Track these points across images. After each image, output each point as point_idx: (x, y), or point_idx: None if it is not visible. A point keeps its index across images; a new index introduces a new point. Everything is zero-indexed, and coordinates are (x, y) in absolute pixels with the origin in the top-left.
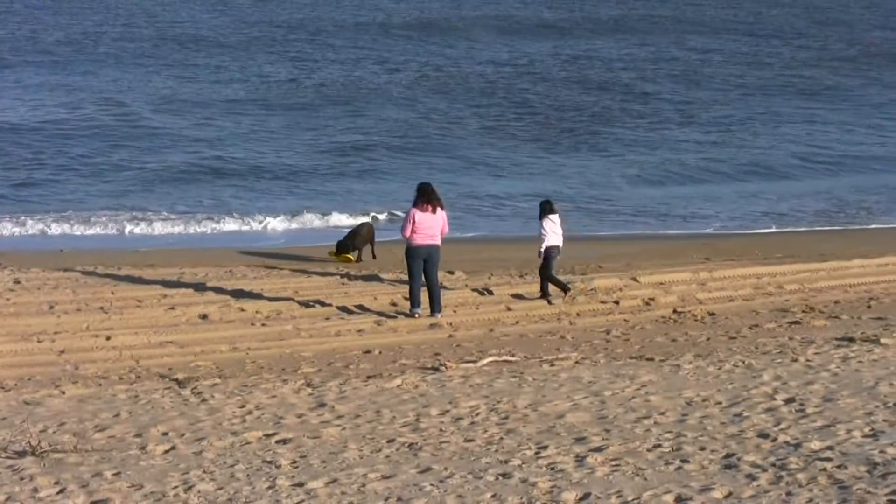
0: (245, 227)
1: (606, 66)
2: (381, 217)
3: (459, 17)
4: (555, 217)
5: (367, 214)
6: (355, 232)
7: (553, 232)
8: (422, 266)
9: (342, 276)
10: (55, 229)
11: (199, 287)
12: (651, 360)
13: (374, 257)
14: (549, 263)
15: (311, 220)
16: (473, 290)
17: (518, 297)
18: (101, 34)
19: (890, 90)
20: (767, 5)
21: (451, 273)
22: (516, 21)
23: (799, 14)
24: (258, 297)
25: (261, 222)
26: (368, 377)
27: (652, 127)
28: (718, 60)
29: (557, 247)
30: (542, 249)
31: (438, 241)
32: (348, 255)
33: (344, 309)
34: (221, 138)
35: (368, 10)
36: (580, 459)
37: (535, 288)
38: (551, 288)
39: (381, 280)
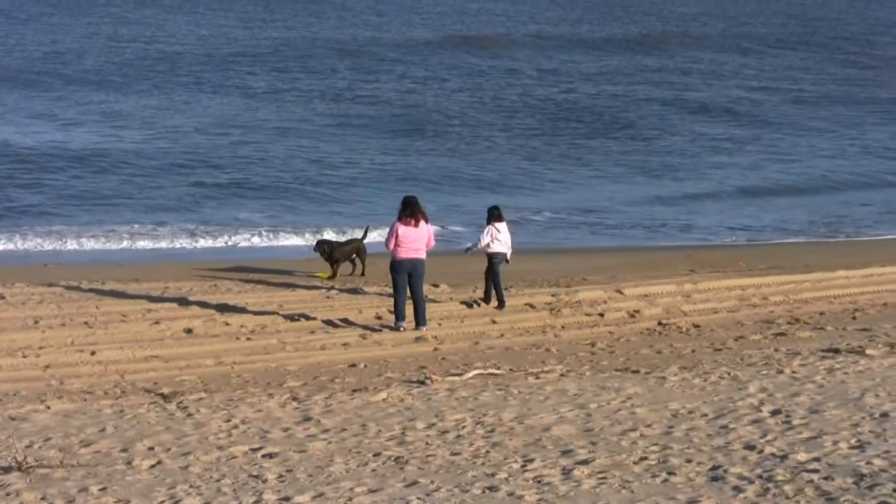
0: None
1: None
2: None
3: (504, 35)
4: (501, 225)
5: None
6: (341, 244)
7: (497, 239)
8: (406, 279)
9: (327, 289)
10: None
11: (184, 301)
12: (636, 372)
13: (362, 274)
14: (495, 269)
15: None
16: (461, 302)
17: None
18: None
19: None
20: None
21: (436, 286)
22: (554, 37)
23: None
24: (243, 310)
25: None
26: (354, 391)
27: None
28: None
29: (503, 254)
30: (469, 249)
31: (423, 255)
32: (322, 273)
33: (329, 322)
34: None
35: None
36: (567, 472)
37: (518, 301)
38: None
39: (365, 293)
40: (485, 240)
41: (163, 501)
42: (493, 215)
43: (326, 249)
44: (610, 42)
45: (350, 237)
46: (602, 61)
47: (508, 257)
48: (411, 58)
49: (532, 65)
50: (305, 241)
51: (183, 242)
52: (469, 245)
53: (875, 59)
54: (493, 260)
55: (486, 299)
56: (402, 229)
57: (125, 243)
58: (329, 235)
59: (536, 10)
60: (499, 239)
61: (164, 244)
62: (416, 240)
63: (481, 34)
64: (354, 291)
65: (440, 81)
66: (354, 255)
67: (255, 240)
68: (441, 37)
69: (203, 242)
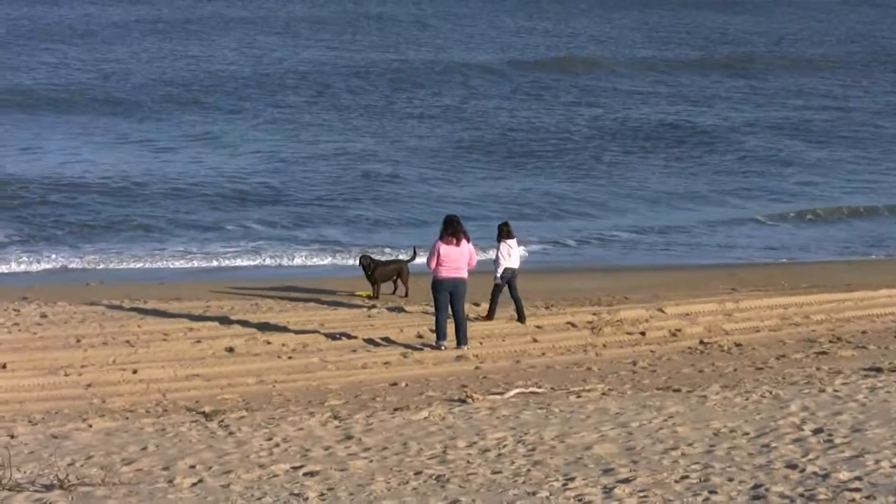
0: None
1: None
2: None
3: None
4: (512, 241)
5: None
6: (382, 263)
7: (508, 255)
8: (448, 298)
9: (368, 308)
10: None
11: (225, 320)
12: (678, 391)
13: (405, 295)
14: (512, 283)
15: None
16: (502, 321)
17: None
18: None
19: None
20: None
21: (478, 305)
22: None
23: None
24: (284, 329)
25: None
26: (395, 409)
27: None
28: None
29: (513, 269)
30: (500, 273)
31: (465, 274)
32: (363, 293)
33: (370, 341)
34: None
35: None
36: (608, 491)
37: (560, 320)
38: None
39: (406, 312)
40: (503, 260)
41: None
42: (504, 232)
43: (369, 266)
44: (678, 63)
45: (394, 257)
46: (674, 82)
47: (517, 271)
48: (497, 78)
49: (619, 85)
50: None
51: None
52: (497, 274)
53: None
54: (504, 275)
55: (490, 317)
56: (444, 248)
57: (181, 262)
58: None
59: (605, 31)
60: (510, 255)
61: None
62: (458, 259)
63: (568, 56)
64: (396, 310)
65: (534, 100)
66: (396, 276)
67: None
68: (527, 59)
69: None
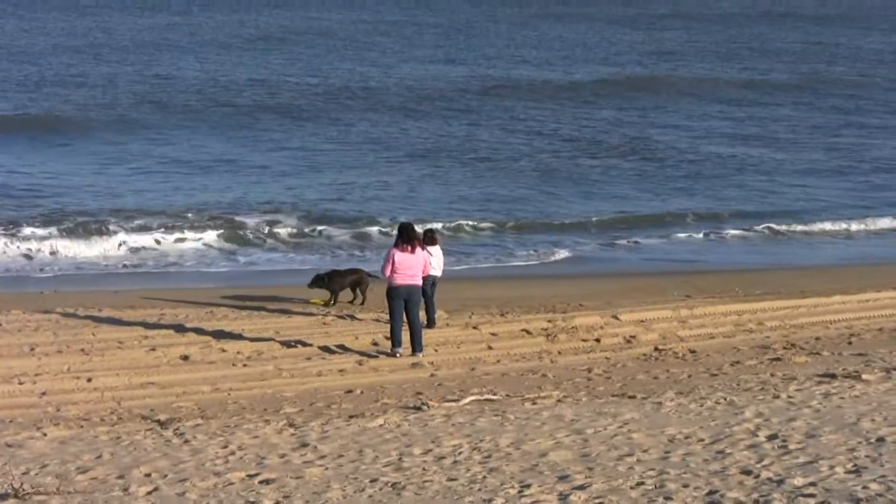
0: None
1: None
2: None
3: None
4: (434, 249)
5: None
6: (339, 273)
7: (428, 262)
8: (402, 305)
9: (323, 315)
10: None
11: (180, 328)
12: (633, 397)
13: (362, 303)
14: (427, 291)
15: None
16: (457, 328)
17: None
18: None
19: None
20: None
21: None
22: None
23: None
24: (239, 337)
25: None
26: (351, 417)
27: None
28: None
29: (434, 277)
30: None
31: (419, 281)
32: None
33: (325, 349)
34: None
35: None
36: (563, 497)
37: (515, 327)
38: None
39: (361, 320)
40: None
41: None
42: (429, 239)
43: (323, 280)
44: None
45: (353, 267)
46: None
47: (437, 278)
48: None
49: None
50: None
51: None
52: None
53: None
54: (424, 282)
55: (429, 324)
56: (399, 255)
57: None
58: None
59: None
60: (430, 262)
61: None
62: (413, 266)
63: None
64: (350, 318)
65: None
66: (355, 285)
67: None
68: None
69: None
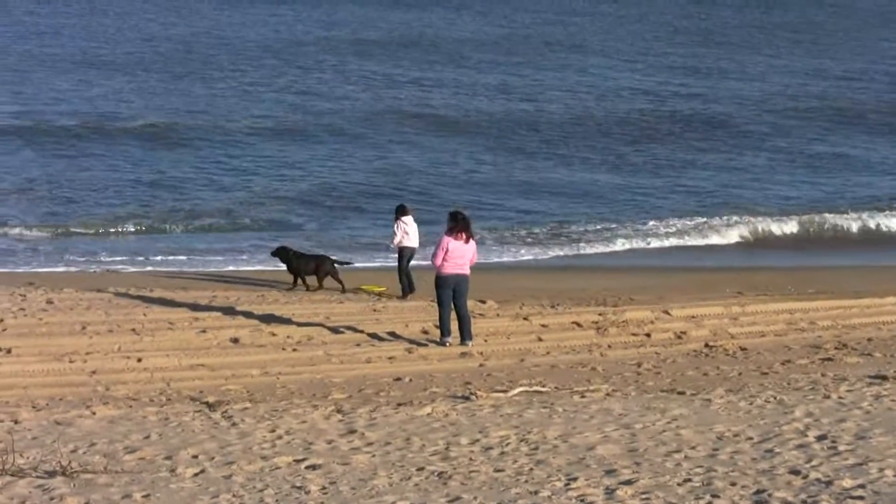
0: None
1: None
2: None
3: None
4: (407, 218)
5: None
6: (303, 257)
7: (406, 233)
8: (451, 294)
9: (374, 302)
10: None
11: (231, 311)
12: (682, 393)
13: (342, 291)
14: (402, 262)
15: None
16: (507, 318)
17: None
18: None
19: None
20: None
21: (483, 302)
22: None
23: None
24: (289, 322)
25: None
26: (399, 404)
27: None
28: None
29: (413, 248)
30: (389, 247)
31: (467, 271)
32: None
33: (375, 336)
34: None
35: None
36: (610, 492)
37: (565, 319)
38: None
39: (412, 307)
40: (398, 236)
41: None
42: (401, 210)
43: (285, 257)
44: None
45: (320, 253)
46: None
47: (415, 250)
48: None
49: None
50: None
51: None
52: (389, 244)
53: None
54: (403, 252)
55: (404, 295)
56: (453, 244)
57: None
58: None
59: None
60: (408, 233)
61: None
62: (463, 255)
63: None
64: (401, 305)
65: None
66: (316, 272)
67: None
68: None
69: None
